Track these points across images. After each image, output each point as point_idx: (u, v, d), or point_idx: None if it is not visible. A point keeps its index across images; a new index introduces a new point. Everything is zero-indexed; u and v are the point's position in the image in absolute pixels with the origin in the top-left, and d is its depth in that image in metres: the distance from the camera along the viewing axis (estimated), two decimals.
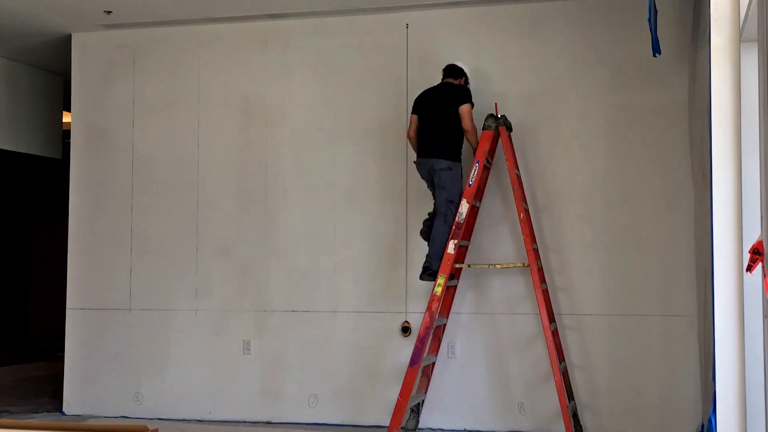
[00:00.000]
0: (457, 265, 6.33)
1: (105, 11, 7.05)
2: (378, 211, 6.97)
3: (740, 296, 3.82)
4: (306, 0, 6.79)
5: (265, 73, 7.27)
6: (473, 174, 6.18)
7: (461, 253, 6.44)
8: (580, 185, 6.62)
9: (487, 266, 6.51)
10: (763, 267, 2.99)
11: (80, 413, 7.35)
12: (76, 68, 7.68)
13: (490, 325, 6.69)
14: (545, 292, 6.28)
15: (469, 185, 6.19)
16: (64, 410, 7.42)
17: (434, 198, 6.33)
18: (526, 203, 6.41)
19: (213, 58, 7.38)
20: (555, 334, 6.27)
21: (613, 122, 6.60)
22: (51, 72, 9.02)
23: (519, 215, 6.25)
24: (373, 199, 6.99)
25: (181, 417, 7.15)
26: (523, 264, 6.29)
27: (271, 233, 7.16)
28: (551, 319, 6.23)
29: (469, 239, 6.58)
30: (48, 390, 8.29)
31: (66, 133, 8.79)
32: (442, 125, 6.30)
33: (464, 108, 6.26)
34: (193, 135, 7.38)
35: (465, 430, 6.65)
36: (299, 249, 7.10)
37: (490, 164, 6.55)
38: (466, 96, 6.32)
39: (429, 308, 6.15)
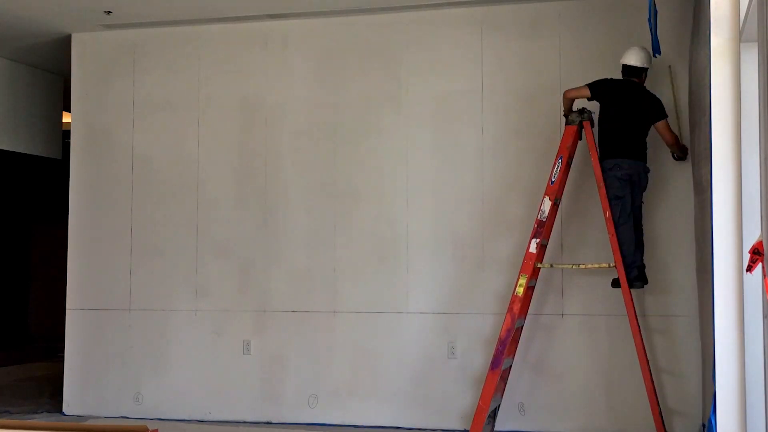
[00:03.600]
0: (539, 265, 6.12)
1: (105, 11, 7.05)
2: (378, 211, 6.97)
3: (740, 296, 3.82)
4: (306, 0, 6.80)
5: (265, 73, 7.27)
6: (556, 170, 6.00)
7: (541, 252, 6.15)
8: (580, 185, 6.61)
9: (571, 266, 6.33)
10: (763, 267, 2.99)
11: (80, 413, 7.35)
12: (76, 68, 7.68)
13: (490, 324, 6.69)
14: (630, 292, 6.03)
15: (552, 182, 6.03)
16: (64, 410, 7.42)
17: (630, 198, 6.01)
18: (611, 201, 6.12)
19: (213, 58, 7.38)
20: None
21: None
22: (51, 72, 9.02)
23: (605, 213, 5.98)
24: (372, 198, 6.99)
25: (181, 417, 7.15)
26: (609, 264, 6.06)
27: (271, 233, 7.16)
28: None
29: (548, 238, 6.30)
30: (48, 390, 8.29)
31: (66, 133, 8.79)
32: (639, 129, 6.05)
33: (662, 124, 6.05)
34: (193, 135, 7.38)
35: (465, 430, 6.65)
36: (299, 249, 7.10)
37: (572, 161, 6.29)
38: (661, 110, 6.07)
39: (510, 309, 5.95)
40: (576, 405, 6.52)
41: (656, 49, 5.84)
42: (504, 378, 6.32)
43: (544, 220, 6.04)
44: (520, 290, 5.97)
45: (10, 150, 8.68)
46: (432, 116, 6.92)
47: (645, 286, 6.15)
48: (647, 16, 5.45)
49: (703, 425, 5.64)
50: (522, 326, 6.38)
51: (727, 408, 3.84)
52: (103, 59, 7.63)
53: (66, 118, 9.32)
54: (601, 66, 6.61)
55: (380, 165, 6.99)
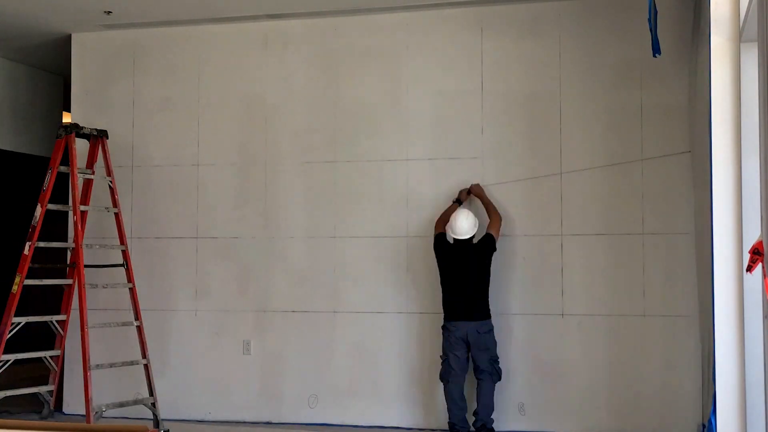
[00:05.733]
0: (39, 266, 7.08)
1: (105, 11, 7.05)
2: (378, 211, 6.97)
3: (740, 296, 3.83)
4: (306, 0, 6.80)
5: (265, 73, 7.27)
6: (47, 180, 6.82)
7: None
8: (581, 185, 6.61)
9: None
10: (763, 267, 2.99)
11: (80, 413, 7.34)
12: (76, 68, 7.68)
13: None
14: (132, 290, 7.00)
15: (43, 190, 6.82)
16: (64, 410, 7.42)
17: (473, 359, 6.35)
18: (116, 205, 7.04)
19: (213, 58, 7.38)
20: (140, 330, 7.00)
21: (613, 122, 6.59)
22: (51, 72, 9.02)
23: (74, 217, 6.81)
24: (372, 198, 6.99)
25: (181, 417, 7.15)
26: (124, 264, 7.04)
27: (271, 233, 7.16)
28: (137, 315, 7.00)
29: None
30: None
31: None
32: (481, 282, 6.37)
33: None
34: (193, 135, 7.38)
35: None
36: (299, 249, 7.10)
37: (79, 171, 6.94)
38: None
39: (8, 309, 6.79)
40: (576, 405, 6.52)
41: (656, 49, 5.83)
42: None
43: (36, 225, 6.82)
44: (15, 288, 6.75)
45: (10, 150, 8.67)
46: (432, 116, 6.92)
47: None
48: (647, 16, 5.44)
49: (703, 425, 5.64)
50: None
51: (727, 408, 3.85)
52: (103, 59, 7.63)
53: (66, 118, 9.32)
54: (601, 66, 6.62)
55: (380, 165, 6.99)
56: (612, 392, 6.47)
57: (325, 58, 7.16)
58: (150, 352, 7.17)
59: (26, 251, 6.86)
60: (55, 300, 7.51)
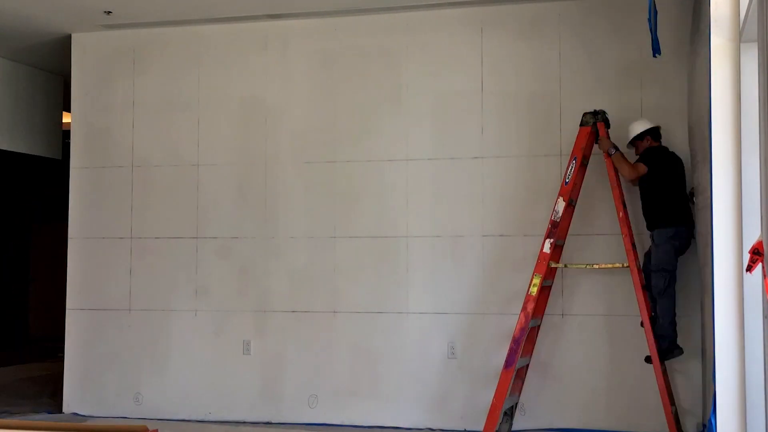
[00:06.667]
0: (553, 265, 6.17)
1: (105, 11, 7.05)
2: (378, 211, 6.97)
3: (740, 296, 3.83)
4: (306, 0, 6.80)
5: (265, 73, 7.27)
6: (570, 171, 6.11)
7: (557, 252, 6.25)
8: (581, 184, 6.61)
9: (584, 266, 6.35)
10: (763, 267, 2.99)
11: (80, 413, 7.35)
12: (76, 68, 7.68)
13: (490, 324, 6.69)
14: (645, 293, 6.12)
15: (566, 183, 6.13)
16: (64, 410, 7.42)
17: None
18: (625, 203, 6.25)
19: (213, 58, 7.38)
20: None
21: (614, 122, 6.58)
22: (51, 72, 9.02)
23: (618, 214, 6.14)
24: (372, 198, 6.99)
25: (181, 417, 7.15)
26: (623, 264, 6.14)
27: (271, 233, 7.16)
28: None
29: (564, 238, 6.34)
30: (48, 390, 8.29)
31: (66, 133, 8.79)
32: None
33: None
34: (193, 135, 7.38)
35: (465, 430, 6.65)
36: (299, 249, 7.11)
37: (587, 161, 6.33)
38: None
39: (524, 309, 6.01)
40: (576, 405, 6.52)
41: (656, 49, 5.84)
42: (521, 377, 6.37)
43: (558, 220, 6.06)
44: (534, 290, 6.00)
45: (10, 150, 8.67)
46: (432, 116, 6.92)
47: (680, 354, 6.07)
48: (647, 16, 5.45)
49: (704, 425, 5.64)
50: (538, 326, 6.41)
51: (727, 408, 3.85)
52: (103, 59, 7.63)
53: (66, 118, 9.32)
54: (601, 66, 6.62)
55: (380, 165, 6.99)
56: (612, 392, 6.47)
57: (325, 58, 7.16)
58: (150, 353, 7.20)
59: (546, 249, 6.10)
60: None
